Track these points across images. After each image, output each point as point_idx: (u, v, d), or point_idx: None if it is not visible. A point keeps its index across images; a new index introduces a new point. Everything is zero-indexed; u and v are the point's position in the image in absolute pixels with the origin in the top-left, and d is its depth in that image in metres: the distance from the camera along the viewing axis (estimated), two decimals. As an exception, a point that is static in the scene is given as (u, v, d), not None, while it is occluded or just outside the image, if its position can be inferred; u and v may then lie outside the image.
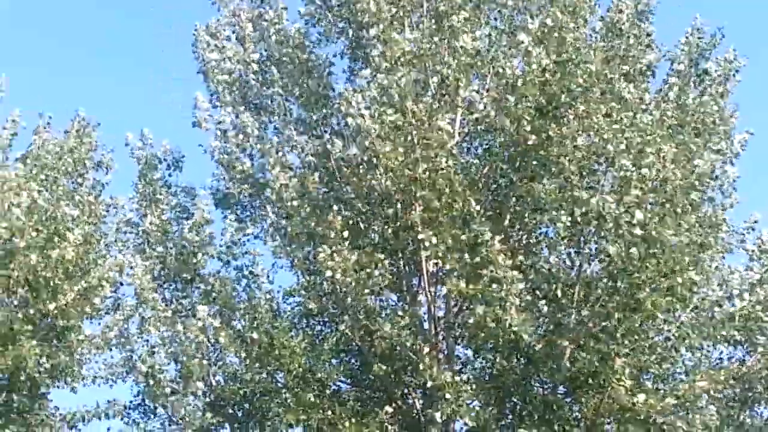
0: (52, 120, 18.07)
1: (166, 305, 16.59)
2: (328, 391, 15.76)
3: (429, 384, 14.82)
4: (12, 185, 16.24)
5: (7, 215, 15.89)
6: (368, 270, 15.16)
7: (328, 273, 15.10)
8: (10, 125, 17.33)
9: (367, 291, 15.27)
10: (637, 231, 14.63)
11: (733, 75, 17.65)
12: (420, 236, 15.09)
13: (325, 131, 18.08)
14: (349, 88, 16.33)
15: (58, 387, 16.24)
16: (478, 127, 17.28)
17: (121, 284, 16.94)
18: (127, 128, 20.01)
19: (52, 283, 15.96)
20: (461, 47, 16.58)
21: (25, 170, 16.79)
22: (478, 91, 17.46)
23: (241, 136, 17.27)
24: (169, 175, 18.18)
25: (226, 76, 17.76)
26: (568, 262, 15.88)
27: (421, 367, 14.92)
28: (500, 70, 16.68)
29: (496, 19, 18.11)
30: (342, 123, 17.33)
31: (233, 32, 18.18)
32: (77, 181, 17.65)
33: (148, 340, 16.48)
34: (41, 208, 16.26)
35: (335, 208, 15.61)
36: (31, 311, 15.85)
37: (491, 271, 14.70)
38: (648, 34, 17.13)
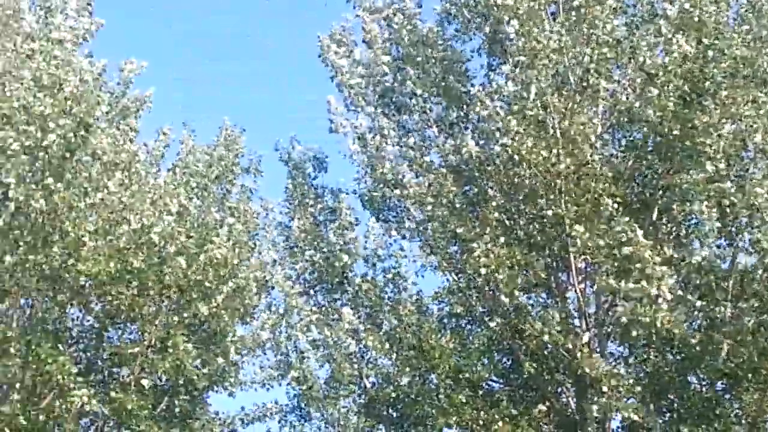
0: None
1: (318, 308, 16.79)
2: (480, 392, 15.76)
3: (587, 371, 14.62)
4: (162, 193, 16.65)
5: (159, 222, 16.28)
6: (519, 267, 15.12)
7: (483, 270, 15.06)
8: (162, 138, 17.75)
9: (518, 288, 15.22)
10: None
11: None
12: (571, 232, 14.99)
13: (466, 128, 18.02)
14: (481, 90, 16.25)
15: (216, 392, 16.64)
16: (621, 119, 17.05)
17: (272, 288, 17.24)
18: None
19: (202, 286, 16.30)
20: (601, 38, 16.35)
21: (175, 178, 17.19)
22: (619, 82, 17.25)
23: (379, 138, 17.33)
24: (315, 177, 18.40)
25: (359, 80, 17.84)
26: (720, 255, 15.59)
27: (578, 356, 14.75)
28: (641, 60, 16.45)
29: (634, 5, 17.82)
30: (482, 120, 17.19)
31: (365, 32, 18.11)
32: (226, 188, 17.98)
33: (297, 346, 16.72)
34: (192, 214, 16.65)
35: (492, 204, 15.57)
36: (185, 315, 16.21)
37: (640, 267, 14.55)
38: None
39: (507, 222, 16.63)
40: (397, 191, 16.74)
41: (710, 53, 16.14)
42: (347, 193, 18.16)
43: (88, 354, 16.28)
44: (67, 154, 15.58)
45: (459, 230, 15.71)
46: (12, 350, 14.82)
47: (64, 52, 16.63)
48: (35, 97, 15.52)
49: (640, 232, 14.66)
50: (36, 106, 15.49)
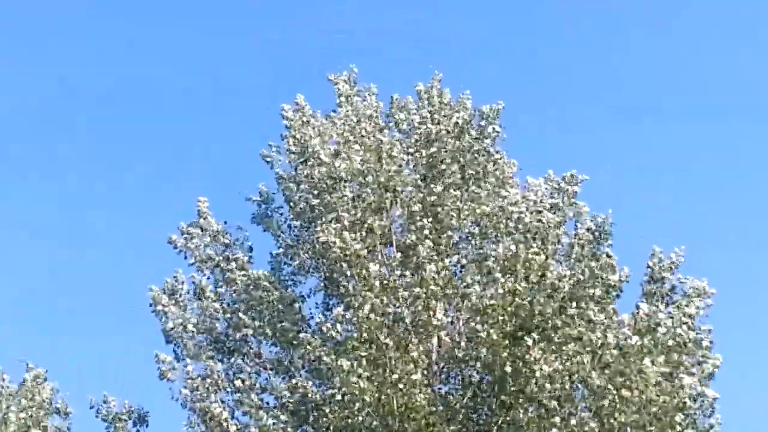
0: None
1: None
2: None
3: None
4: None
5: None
6: None
7: None
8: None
9: None
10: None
11: (701, 297, 17.59)
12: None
13: (304, 367, 17.93)
14: (310, 334, 16.48)
15: None
16: (455, 356, 17.24)
17: None
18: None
19: None
20: (429, 276, 16.68)
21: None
22: (452, 322, 17.55)
23: (209, 381, 17.10)
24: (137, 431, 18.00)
25: (191, 327, 17.79)
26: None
27: None
28: (471, 298, 16.80)
29: (465, 247, 18.34)
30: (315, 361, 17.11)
31: (195, 284, 18.23)
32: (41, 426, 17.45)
33: None
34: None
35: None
36: None
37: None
38: (608, 255, 17.00)
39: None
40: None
41: (538, 293, 16.43)
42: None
43: None
44: None
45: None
46: None
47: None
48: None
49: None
50: None
